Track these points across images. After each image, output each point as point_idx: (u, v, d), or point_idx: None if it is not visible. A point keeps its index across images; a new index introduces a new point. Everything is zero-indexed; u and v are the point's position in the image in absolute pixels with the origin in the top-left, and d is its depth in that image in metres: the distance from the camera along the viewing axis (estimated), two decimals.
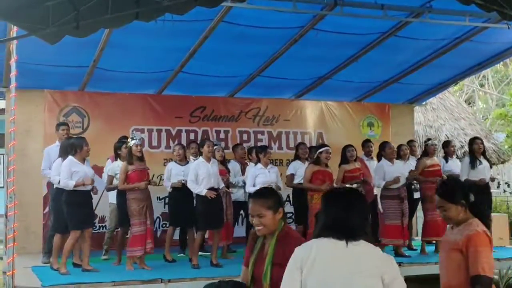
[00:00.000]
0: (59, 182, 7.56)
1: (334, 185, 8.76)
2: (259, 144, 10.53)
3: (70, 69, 9.08)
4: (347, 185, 8.53)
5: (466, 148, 14.11)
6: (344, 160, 8.79)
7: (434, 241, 9.21)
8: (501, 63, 20.23)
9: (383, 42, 9.12)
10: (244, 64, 9.65)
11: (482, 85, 26.33)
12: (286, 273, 2.78)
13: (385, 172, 8.72)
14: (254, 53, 9.18)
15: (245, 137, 11.07)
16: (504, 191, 16.60)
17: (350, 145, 8.96)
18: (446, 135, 14.22)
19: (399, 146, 9.29)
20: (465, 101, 22.32)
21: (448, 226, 3.78)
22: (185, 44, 8.61)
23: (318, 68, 10.23)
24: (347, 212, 2.80)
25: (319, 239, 2.79)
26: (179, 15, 4.26)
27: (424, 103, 13.10)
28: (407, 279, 8.04)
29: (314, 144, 10.93)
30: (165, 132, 10.56)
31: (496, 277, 9.04)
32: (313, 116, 11.64)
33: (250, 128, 11.13)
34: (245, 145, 10.42)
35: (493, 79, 26.34)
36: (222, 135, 10.75)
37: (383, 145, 9.03)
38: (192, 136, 10.62)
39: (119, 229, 8.43)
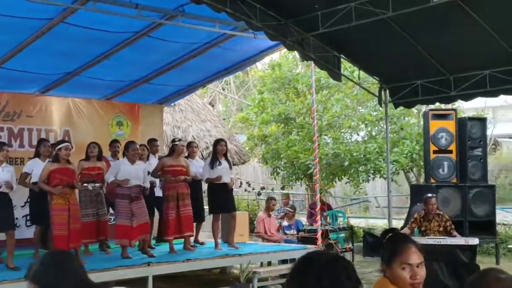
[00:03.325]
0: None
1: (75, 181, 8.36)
2: None
3: None
4: (85, 184, 8.52)
5: (211, 149, 14.86)
6: (86, 157, 8.78)
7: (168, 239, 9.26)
8: None
9: (135, 41, 9.10)
10: None
11: (224, 89, 27.85)
12: None
13: (120, 170, 8.55)
14: None
15: None
16: (245, 190, 17.73)
17: (93, 142, 8.97)
18: (192, 136, 14.66)
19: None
20: (209, 104, 23.33)
21: None
22: None
23: (66, 63, 9.80)
24: None
25: None
26: None
27: (173, 104, 13.39)
28: (156, 277, 8.16)
29: None
30: None
31: (237, 271, 9.59)
32: (59, 113, 11.06)
33: None
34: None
35: (234, 84, 28.04)
36: None
37: (127, 145, 8.81)
38: None
39: None
